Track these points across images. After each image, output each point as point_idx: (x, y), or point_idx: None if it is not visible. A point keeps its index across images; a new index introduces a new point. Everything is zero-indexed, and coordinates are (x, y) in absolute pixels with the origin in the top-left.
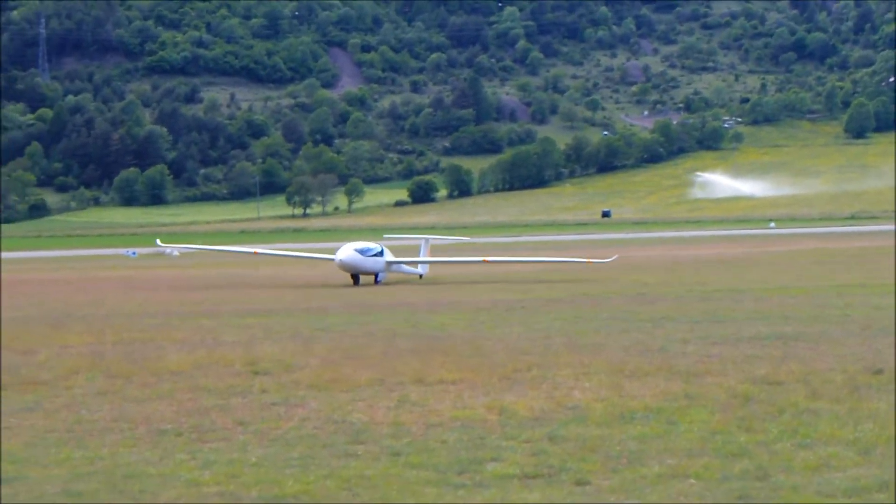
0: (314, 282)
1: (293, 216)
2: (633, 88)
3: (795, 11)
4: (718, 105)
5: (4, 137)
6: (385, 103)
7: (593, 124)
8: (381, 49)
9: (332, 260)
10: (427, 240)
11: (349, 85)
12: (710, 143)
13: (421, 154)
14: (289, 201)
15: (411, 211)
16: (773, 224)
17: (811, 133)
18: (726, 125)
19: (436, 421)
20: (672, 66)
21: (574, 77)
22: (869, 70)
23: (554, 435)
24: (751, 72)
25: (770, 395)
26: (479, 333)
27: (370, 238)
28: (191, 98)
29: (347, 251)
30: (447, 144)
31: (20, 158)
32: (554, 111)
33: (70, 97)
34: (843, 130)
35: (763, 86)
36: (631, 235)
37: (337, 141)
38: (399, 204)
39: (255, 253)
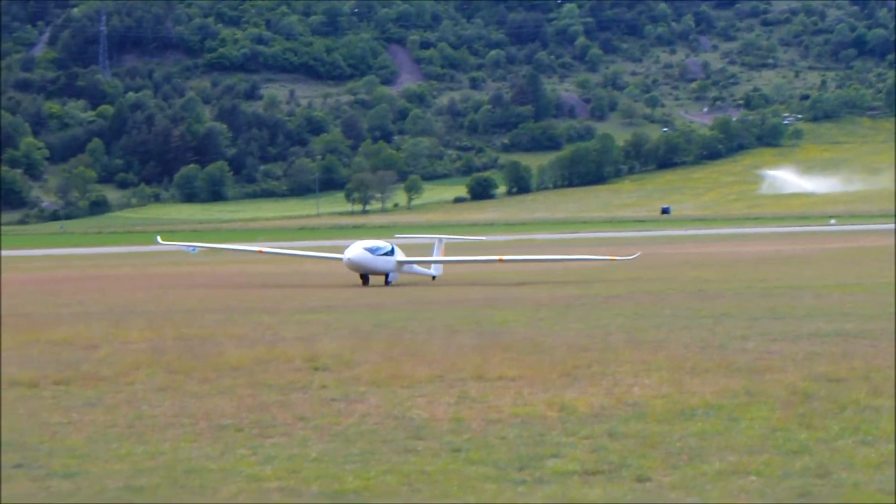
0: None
1: (352, 213)
2: (693, 85)
3: (856, 8)
4: (778, 101)
5: (66, 134)
6: (444, 100)
7: (652, 121)
8: (441, 46)
9: (340, 259)
10: (441, 239)
11: (408, 81)
12: (769, 139)
13: (480, 151)
14: (348, 198)
15: (470, 207)
16: (833, 221)
17: (871, 130)
18: (786, 122)
19: (496, 417)
20: (732, 62)
21: (633, 74)
22: None
23: (614, 431)
24: (811, 68)
25: (831, 391)
26: (538, 330)
27: (428, 231)
28: (250, 95)
29: (356, 250)
30: (506, 141)
31: (81, 155)
32: (613, 108)
33: (130, 94)
34: None
35: (823, 82)
36: (690, 232)
37: (396, 137)
38: (458, 200)
39: (260, 252)
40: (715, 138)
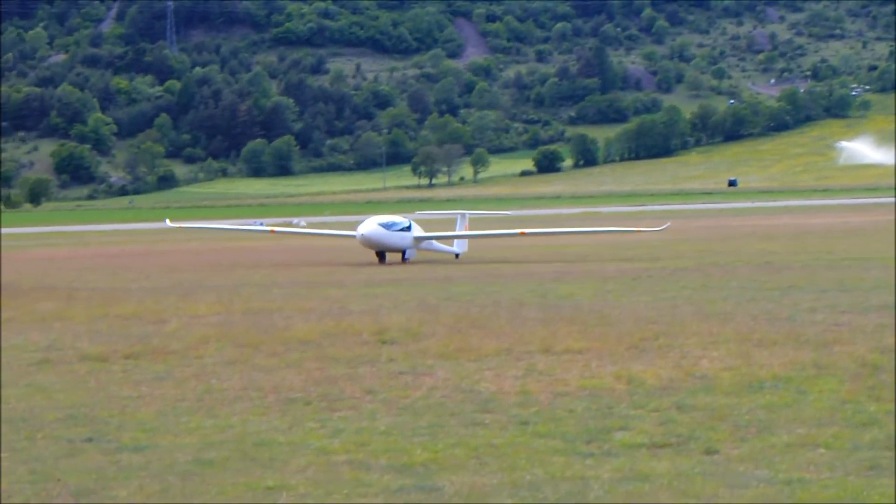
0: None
1: (419, 186)
2: (760, 57)
3: None
4: (846, 73)
5: (134, 110)
6: (510, 73)
7: (719, 93)
8: (507, 19)
9: (354, 237)
10: (464, 215)
11: (474, 55)
12: (837, 111)
13: (546, 124)
14: (414, 171)
15: (537, 181)
16: None
17: None
18: (854, 93)
19: (563, 390)
20: (799, 33)
21: (700, 45)
22: None
23: (682, 404)
24: (879, 39)
25: None
26: (606, 302)
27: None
28: (317, 69)
29: (370, 225)
30: (573, 114)
31: (149, 130)
32: (680, 80)
33: (198, 69)
34: None
35: (891, 53)
36: (757, 204)
37: (462, 111)
38: (524, 174)
39: (273, 231)
40: (782, 110)
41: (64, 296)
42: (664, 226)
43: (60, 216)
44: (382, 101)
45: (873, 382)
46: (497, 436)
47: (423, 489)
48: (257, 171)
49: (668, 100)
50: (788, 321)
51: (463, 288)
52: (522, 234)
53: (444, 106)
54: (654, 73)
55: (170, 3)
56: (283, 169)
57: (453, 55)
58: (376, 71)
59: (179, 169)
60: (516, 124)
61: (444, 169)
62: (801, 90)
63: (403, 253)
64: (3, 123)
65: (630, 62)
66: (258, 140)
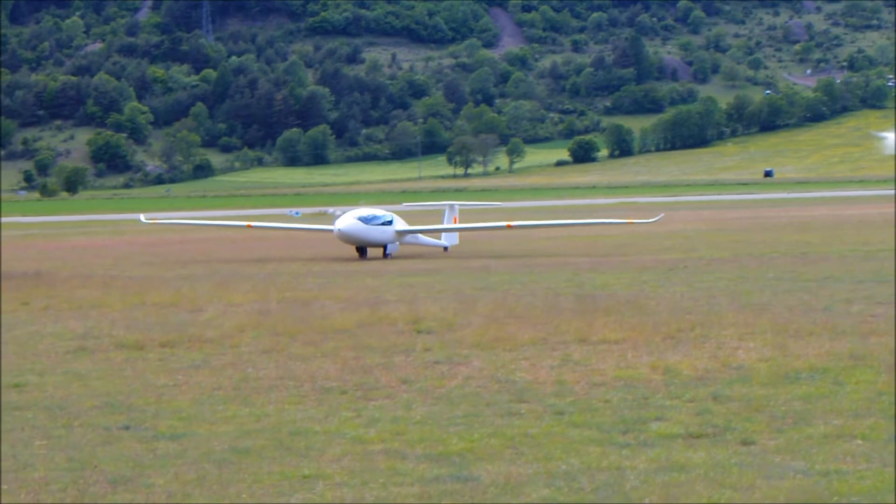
0: (470, 237)
1: (454, 176)
2: (796, 47)
3: None
4: (882, 63)
5: (170, 98)
6: (546, 63)
7: (755, 83)
8: (542, 8)
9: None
10: (452, 206)
11: (510, 45)
12: (874, 101)
13: (582, 114)
14: (450, 161)
15: (572, 170)
16: None
17: None
18: (890, 83)
19: (599, 380)
20: (835, 23)
21: (736, 36)
22: None
23: (718, 394)
24: None
25: None
26: (642, 293)
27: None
28: (352, 58)
29: (347, 220)
30: (608, 104)
31: (185, 119)
32: (716, 70)
33: (234, 58)
34: None
35: None
36: (793, 195)
37: (498, 101)
38: (560, 164)
39: (249, 226)
40: (818, 100)
41: (100, 284)
42: (657, 217)
43: (96, 205)
44: (418, 91)
45: None
46: (533, 425)
47: (459, 479)
48: (293, 161)
49: (703, 90)
50: (825, 312)
51: (498, 278)
52: (509, 226)
53: (479, 96)
54: (690, 64)
55: None
56: (318, 158)
57: (489, 45)
58: (412, 60)
59: (215, 158)
60: (552, 114)
61: (480, 159)
62: (838, 80)
63: (385, 248)
64: (40, 112)
65: (666, 52)
66: (294, 129)
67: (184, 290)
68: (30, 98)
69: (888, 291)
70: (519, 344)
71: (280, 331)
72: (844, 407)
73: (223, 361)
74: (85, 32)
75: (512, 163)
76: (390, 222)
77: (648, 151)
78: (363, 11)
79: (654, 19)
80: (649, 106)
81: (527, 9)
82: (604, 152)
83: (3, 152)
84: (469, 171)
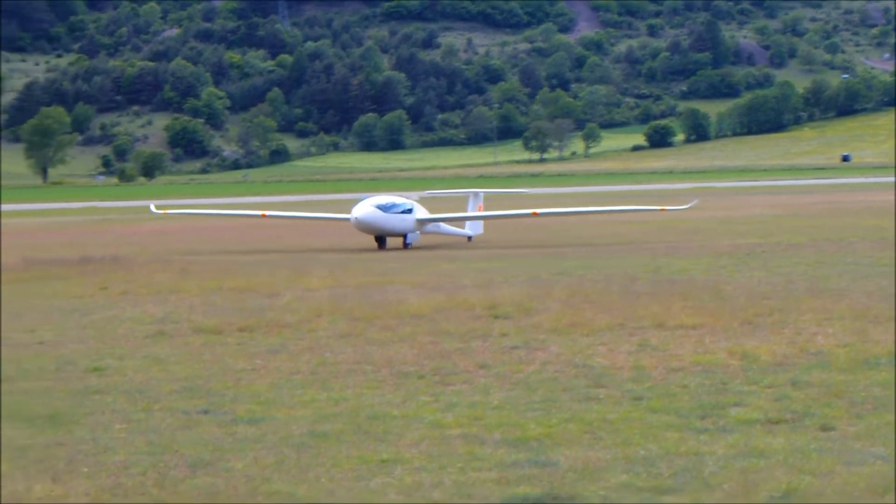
0: (540, 223)
1: (530, 161)
2: (874, 31)
3: None
4: None
5: (246, 84)
6: (622, 47)
7: (832, 67)
8: None
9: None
10: (477, 193)
11: (586, 29)
12: None
13: (658, 98)
14: (526, 146)
15: (648, 155)
16: None
17: None
18: None
19: (677, 365)
20: None
21: (813, 20)
22: None
23: (797, 380)
24: None
25: None
26: (719, 278)
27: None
28: (428, 43)
29: (365, 208)
30: (684, 88)
31: (261, 104)
32: (792, 54)
33: (310, 43)
34: None
35: None
36: (871, 179)
37: (573, 85)
38: (636, 149)
39: (263, 216)
40: None
41: (178, 269)
42: (690, 204)
43: (174, 189)
44: (494, 76)
45: None
46: (611, 411)
47: (537, 464)
48: (369, 146)
49: (780, 74)
50: None
51: (574, 263)
52: (535, 214)
53: (555, 80)
54: (767, 48)
55: None
56: (394, 143)
57: (564, 29)
58: (487, 45)
59: (291, 143)
60: (627, 99)
61: (556, 144)
62: None
63: (405, 237)
64: (118, 98)
65: (742, 36)
66: (370, 114)
67: (261, 275)
68: (108, 84)
69: None
70: (596, 329)
71: (357, 315)
72: None
73: (301, 346)
74: (162, 18)
75: (588, 148)
76: (410, 210)
77: (725, 136)
78: None
79: (731, 3)
80: (725, 90)
81: None
82: (680, 137)
83: (81, 138)
84: (545, 156)
